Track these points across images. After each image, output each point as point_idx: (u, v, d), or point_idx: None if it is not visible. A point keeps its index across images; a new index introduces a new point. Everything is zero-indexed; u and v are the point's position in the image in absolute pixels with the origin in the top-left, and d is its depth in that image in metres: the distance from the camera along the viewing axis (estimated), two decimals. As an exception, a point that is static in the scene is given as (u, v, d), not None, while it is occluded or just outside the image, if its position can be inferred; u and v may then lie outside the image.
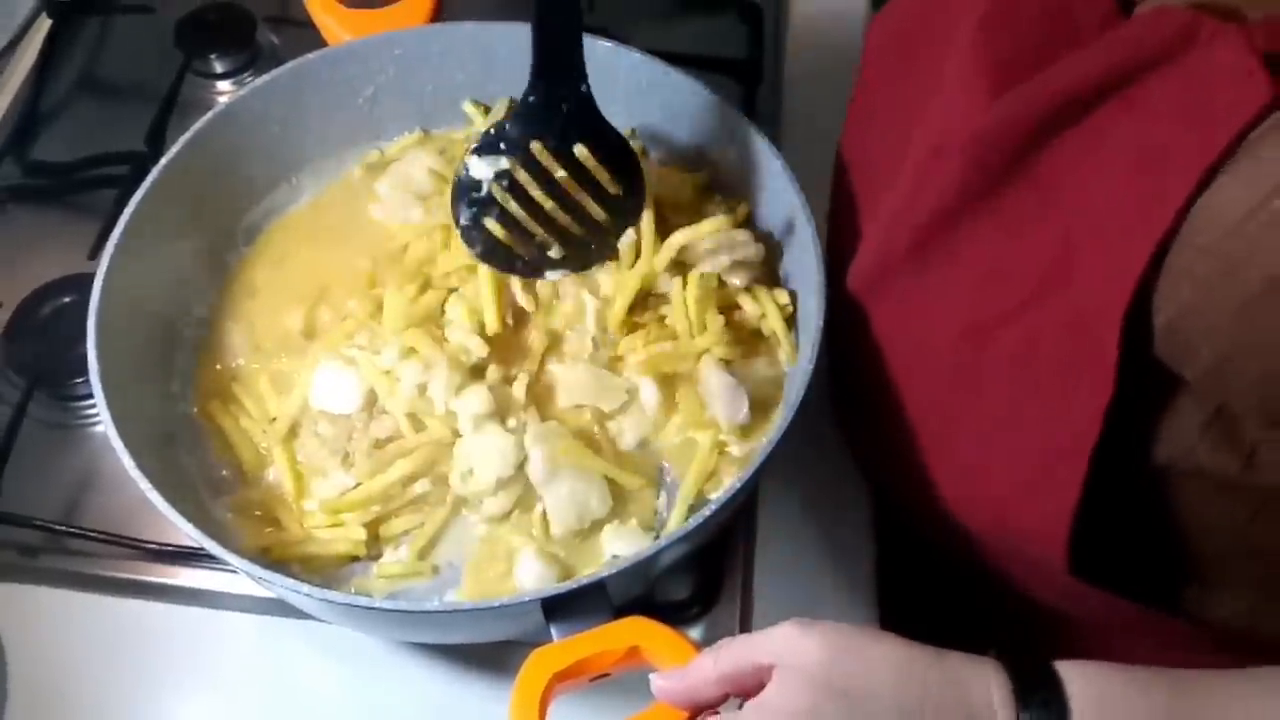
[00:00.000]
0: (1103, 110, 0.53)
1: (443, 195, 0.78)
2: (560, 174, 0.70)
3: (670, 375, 0.72)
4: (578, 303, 0.73)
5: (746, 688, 0.53)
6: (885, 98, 0.71)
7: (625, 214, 0.72)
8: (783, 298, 0.73)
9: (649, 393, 0.71)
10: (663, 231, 0.74)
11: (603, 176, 0.70)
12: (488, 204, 0.71)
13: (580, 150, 0.69)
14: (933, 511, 0.67)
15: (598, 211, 0.71)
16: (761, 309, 0.72)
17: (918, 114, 0.63)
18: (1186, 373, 0.52)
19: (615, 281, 0.72)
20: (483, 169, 0.70)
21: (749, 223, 0.77)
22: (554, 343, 0.73)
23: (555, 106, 0.69)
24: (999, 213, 0.57)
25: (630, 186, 0.71)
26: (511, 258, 0.72)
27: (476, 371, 0.71)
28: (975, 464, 0.63)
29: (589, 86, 0.69)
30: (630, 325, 0.73)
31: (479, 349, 0.70)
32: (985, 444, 0.62)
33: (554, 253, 0.72)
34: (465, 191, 0.71)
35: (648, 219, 0.72)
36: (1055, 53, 0.55)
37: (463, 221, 0.71)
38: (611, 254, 0.73)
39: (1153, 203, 0.50)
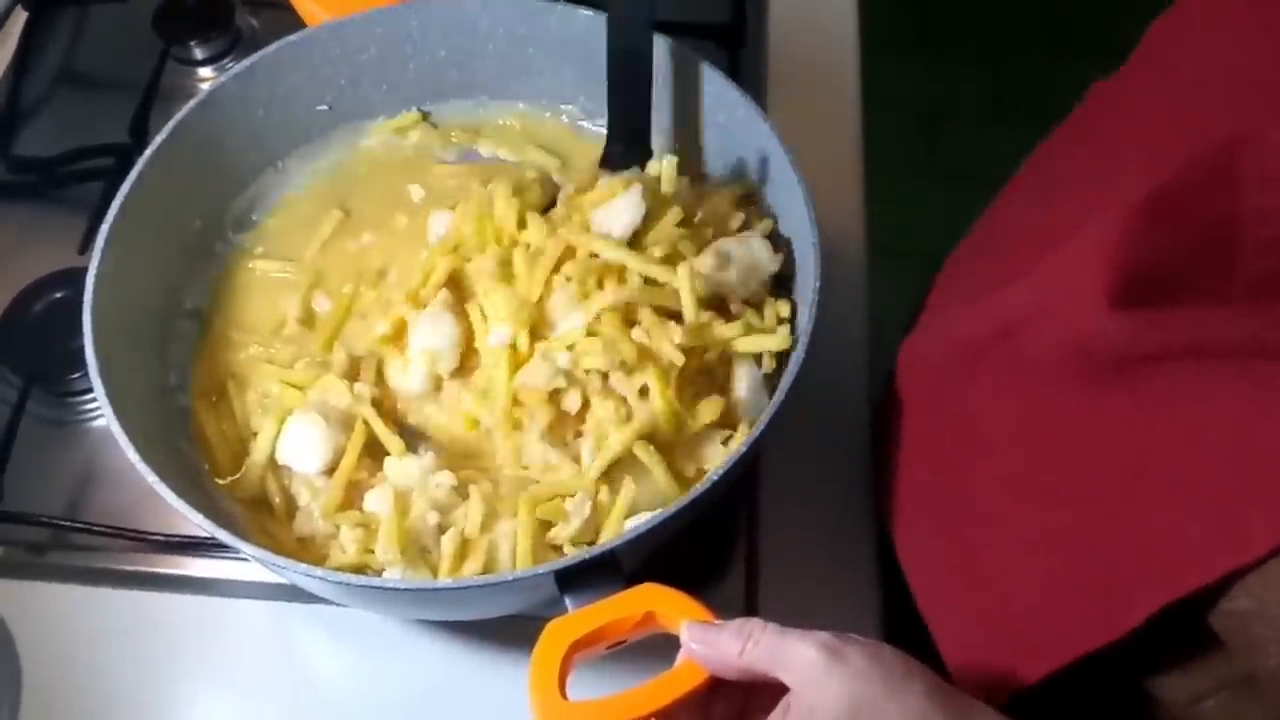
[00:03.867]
0: (1226, 364, 0.51)
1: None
2: None
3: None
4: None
5: (761, 685, 0.53)
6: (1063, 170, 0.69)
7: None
8: (784, 309, 0.72)
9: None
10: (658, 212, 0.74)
11: None
12: None
13: None
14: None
15: None
16: (764, 326, 0.71)
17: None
18: (1248, 662, 0.50)
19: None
20: None
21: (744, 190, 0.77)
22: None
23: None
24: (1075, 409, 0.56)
25: None
26: None
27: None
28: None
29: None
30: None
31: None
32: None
33: None
34: None
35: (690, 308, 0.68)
36: (1199, 279, 0.52)
37: None
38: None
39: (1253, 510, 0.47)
